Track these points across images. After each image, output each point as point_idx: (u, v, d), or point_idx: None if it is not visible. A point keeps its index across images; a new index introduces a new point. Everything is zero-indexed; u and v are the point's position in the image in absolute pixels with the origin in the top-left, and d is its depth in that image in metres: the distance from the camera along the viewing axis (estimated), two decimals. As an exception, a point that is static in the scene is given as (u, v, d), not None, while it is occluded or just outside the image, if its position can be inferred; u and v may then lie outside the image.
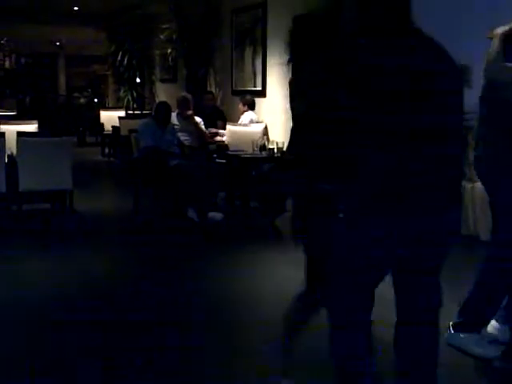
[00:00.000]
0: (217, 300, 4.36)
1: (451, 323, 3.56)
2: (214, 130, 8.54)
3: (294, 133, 2.80)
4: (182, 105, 7.87)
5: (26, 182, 6.44)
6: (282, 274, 4.90)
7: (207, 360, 3.41)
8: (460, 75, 2.41)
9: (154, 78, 13.94)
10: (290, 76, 2.87)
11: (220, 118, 9.04)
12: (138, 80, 13.87)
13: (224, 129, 8.61)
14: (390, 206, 2.25)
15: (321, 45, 2.59)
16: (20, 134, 6.59)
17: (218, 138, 8.53)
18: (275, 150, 7.10)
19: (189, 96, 8.14)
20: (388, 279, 2.48)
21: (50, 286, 4.66)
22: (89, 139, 15.60)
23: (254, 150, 7.42)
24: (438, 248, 2.41)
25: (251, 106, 8.72)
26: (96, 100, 20.22)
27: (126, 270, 5.25)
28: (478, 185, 6.01)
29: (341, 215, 2.39)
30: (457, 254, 5.64)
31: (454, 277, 4.96)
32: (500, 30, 3.38)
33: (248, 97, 8.79)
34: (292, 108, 2.82)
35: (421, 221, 2.27)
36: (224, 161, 7.67)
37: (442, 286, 2.52)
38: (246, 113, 8.65)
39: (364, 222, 2.28)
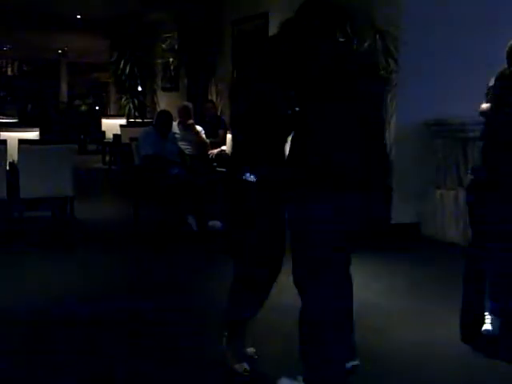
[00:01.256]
0: (217, 308, 4.36)
1: None
2: (215, 151, 8.37)
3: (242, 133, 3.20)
4: (183, 113, 7.89)
5: (27, 189, 6.45)
6: (281, 283, 4.90)
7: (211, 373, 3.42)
8: (383, 82, 3.14)
9: (155, 86, 13.99)
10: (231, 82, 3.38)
11: (221, 126, 9.06)
12: (139, 88, 13.91)
13: (225, 138, 8.63)
14: (331, 189, 2.70)
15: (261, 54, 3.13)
16: (21, 141, 6.60)
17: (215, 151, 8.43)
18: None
19: (190, 105, 8.17)
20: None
21: (50, 292, 4.66)
22: (90, 147, 15.62)
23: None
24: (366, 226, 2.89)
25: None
26: (97, 108, 20.31)
27: (125, 277, 5.26)
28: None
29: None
30: (457, 265, 5.66)
31: (454, 285, 4.98)
32: None
33: None
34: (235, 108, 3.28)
35: (351, 201, 2.72)
36: (224, 169, 7.67)
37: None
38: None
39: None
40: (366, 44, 6.45)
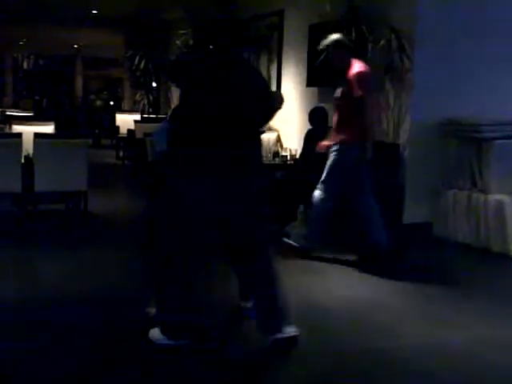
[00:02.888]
0: (222, 305, 4.38)
1: None
2: None
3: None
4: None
5: (41, 183, 6.51)
6: (288, 281, 4.91)
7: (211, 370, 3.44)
8: (265, 87, 3.77)
9: (169, 82, 14.02)
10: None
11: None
12: (154, 84, 13.96)
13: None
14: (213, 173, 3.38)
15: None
16: (37, 135, 6.66)
17: None
18: (288, 157, 7.11)
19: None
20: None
21: (64, 286, 4.68)
22: (104, 141, 15.69)
23: (266, 156, 7.44)
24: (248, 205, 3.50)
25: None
26: (112, 103, 20.40)
27: (139, 270, 5.27)
28: (492, 197, 6.00)
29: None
30: (469, 266, 5.61)
31: (467, 287, 4.96)
32: None
33: None
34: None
35: (231, 184, 3.41)
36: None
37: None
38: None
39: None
40: (381, 42, 6.45)
